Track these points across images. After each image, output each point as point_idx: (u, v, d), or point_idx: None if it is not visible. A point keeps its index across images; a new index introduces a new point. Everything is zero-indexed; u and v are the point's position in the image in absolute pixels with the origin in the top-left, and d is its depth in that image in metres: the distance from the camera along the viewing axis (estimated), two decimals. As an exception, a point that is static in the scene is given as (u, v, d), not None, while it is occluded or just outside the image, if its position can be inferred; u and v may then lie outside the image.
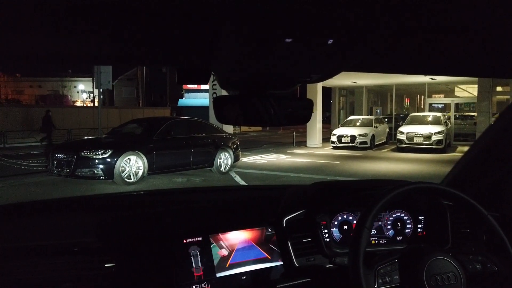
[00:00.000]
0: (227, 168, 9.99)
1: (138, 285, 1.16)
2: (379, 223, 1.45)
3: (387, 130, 18.21)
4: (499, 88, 16.77)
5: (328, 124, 22.35)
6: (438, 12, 0.59)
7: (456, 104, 18.91)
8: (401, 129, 15.48)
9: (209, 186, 7.73)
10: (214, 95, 13.63)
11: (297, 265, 1.31)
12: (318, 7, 0.53)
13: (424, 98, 20.67)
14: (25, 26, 0.62)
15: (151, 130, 9.06)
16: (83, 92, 49.45)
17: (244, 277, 1.26)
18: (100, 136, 11.43)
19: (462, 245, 1.38)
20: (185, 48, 0.77)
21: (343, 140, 15.74)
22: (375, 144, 16.26)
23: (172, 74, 35.57)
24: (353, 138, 15.57)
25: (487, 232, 1.11)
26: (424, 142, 14.60)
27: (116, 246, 1.21)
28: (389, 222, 1.46)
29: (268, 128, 28.68)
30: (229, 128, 12.41)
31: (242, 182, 8.74)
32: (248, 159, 12.53)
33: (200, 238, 1.24)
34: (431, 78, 16.00)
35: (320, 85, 16.83)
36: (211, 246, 1.25)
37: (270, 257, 1.31)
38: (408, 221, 1.47)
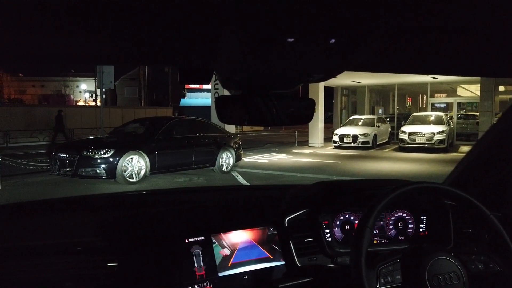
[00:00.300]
0: (229, 167, 10.00)
1: (140, 284, 1.17)
2: (381, 222, 1.45)
3: (389, 129, 18.19)
4: (501, 88, 16.72)
5: (330, 124, 22.32)
6: (440, 12, 0.59)
7: (459, 104, 18.86)
8: (403, 128, 15.45)
9: (211, 185, 7.73)
10: (216, 95, 13.64)
11: (299, 265, 1.31)
12: (320, 6, 0.53)
13: (427, 98, 20.64)
14: (26, 26, 0.62)
15: (153, 129, 9.08)
16: (85, 92, 49.57)
17: (246, 276, 1.26)
18: (102, 136, 11.46)
19: (464, 245, 1.38)
20: (187, 48, 0.77)
21: (345, 139, 15.73)
22: (377, 143, 16.24)
23: (174, 74, 35.65)
24: (355, 137, 15.55)
25: (490, 232, 1.10)
26: (426, 142, 14.58)
27: (118, 245, 1.21)
28: (391, 222, 1.46)
29: (270, 127, 28.67)
30: (231, 128, 12.42)
31: (244, 182, 8.74)
32: (250, 158, 12.53)
33: (202, 238, 1.24)
34: (434, 78, 15.95)
35: (322, 85, 16.82)
36: (213, 245, 1.25)
37: (272, 257, 1.31)
38: (410, 221, 1.47)
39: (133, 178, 8.08)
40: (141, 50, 0.80)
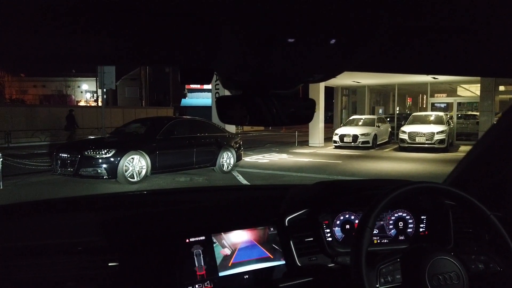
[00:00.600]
0: (230, 167, 10.00)
1: (141, 284, 1.17)
2: (381, 222, 1.45)
3: (389, 129, 18.18)
4: (501, 88, 16.70)
5: (330, 124, 22.32)
6: (440, 12, 0.59)
7: (459, 104, 18.85)
8: (403, 128, 15.45)
9: (211, 185, 7.73)
10: (217, 95, 13.63)
11: (300, 265, 1.31)
12: (320, 6, 0.53)
13: (427, 98, 20.63)
14: (27, 26, 0.62)
15: (154, 129, 9.09)
16: (86, 92, 49.53)
17: (247, 276, 1.26)
18: (103, 136, 11.47)
19: (464, 245, 1.38)
20: (188, 48, 0.77)
21: (345, 139, 15.72)
22: (377, 143, 16.24)
23: (175, 74, 35.63)
24: (355, 137, 15.55)
25: (490, 232, 1.10)
26: (426, 142, 14.58)
27: (119, 245, 1.21)
28: (391, 222, 1.46)
29: (270, 127, 28.68)
30: (231, 128, 12.42)
31: (244, 182, 8.74)
32: (250, 158, 12.54)
33: (203, 238, 1.25)
34: (434, 78, 15.95)
35: (322, 85, 16.81)
36: (214, 245, 1.25)
37: (272, 257, 1.31)
38: (410, 221, 1.47)
39: (134, 178, 8.09)
40: (142, 50, 0.80)
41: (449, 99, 20.24)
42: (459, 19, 0.62)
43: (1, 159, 7.93)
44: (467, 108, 19.21)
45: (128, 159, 7.99)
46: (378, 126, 16.67)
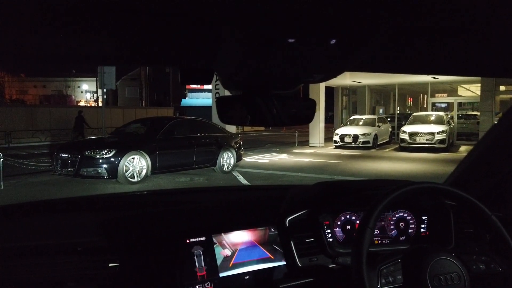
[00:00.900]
0: (230, 167, 10.00)
1: (141, 284, 1.17)
2: (382, 223, 1.44)
3: (390, 129, 18.18)
4: (502, 88, 16.70)
5: (330, 124, 22.30)
6: (440, 12, 0.59)
7: (459, 104, 18.84)
8: (404, 128, 15.45)
9: (212, 186, 7.74)
10: (217, 95, 13.64)
11: (300, 265, 1.31)
12: (321, 7, 0.53)
13: (427, 98, 20.61)
14: (27, 26, 0.62)
15: (154, 129, 9.09)
16: (86, 92, 49.56)
17: (247, 277, 1.26)
18: (103, 136, 11.47)
19: (465, 245, 1.38)
20: (188, 48, 0.77)
21: (346, 139, 15.72)
22: (378, 143, 16.24)
23: (175, 74, 35.62)
24: (355, 137, 15.55)
25: (491, 232, 1.10)
26: (427, 142, 14.57)
27: (119, 245, 1.21)
28: (392, 222, 1.46)
29: (270, 128, 28.68)
30: (232, 128, 12.42)
31: (245, 182, 8.74)
32: (250, 158, 12.54)
33: (203, 238, 1.24)
34: (434, 78, 15.94)
35: (322, 85, 16.81)
36: (214, 246, 1.25)
37: (273, 257, 1.31)
38: (411, 221, 1.47)
39: (134, 178, 8.09)
40: (142, 50, 0.80)
41: (450, 99, 20.24)
42: (459, 19, 0.62)
43: (1, 159, 7.94)
44: (467, 108, 19.20)
45: (128, 159, 7.99)
46: (379, 126, 16.66)
